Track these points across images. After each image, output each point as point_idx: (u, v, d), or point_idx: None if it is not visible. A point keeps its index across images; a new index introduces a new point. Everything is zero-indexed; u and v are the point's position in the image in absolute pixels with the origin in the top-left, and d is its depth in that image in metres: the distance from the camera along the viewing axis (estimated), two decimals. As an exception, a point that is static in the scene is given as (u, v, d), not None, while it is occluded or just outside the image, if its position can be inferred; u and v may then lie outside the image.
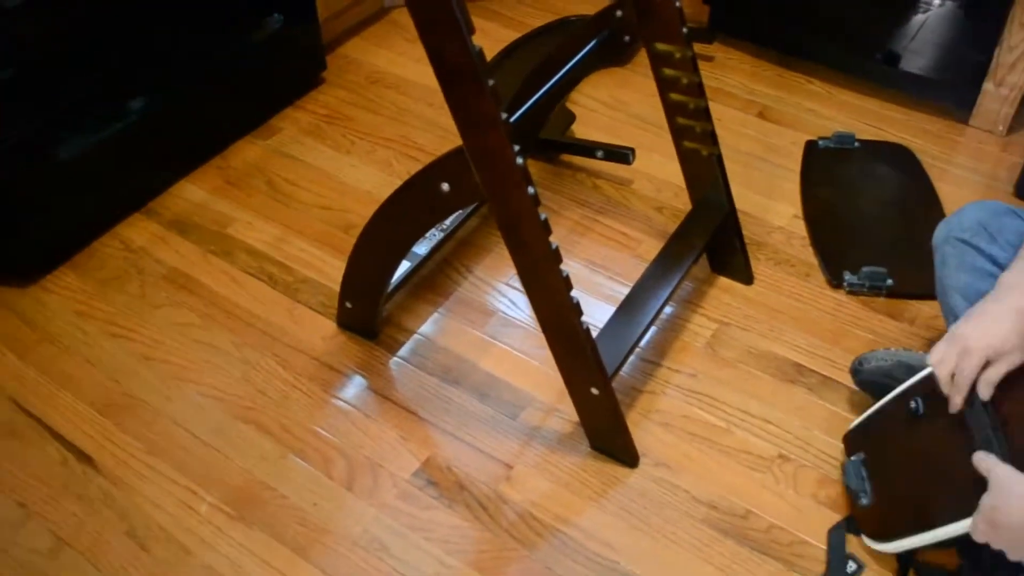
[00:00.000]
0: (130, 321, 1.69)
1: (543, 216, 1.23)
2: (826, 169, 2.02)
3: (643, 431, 1.51)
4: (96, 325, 1.68)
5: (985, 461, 1.12)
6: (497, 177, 1.23)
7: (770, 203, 1.94)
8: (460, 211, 1.79)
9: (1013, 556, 1.09)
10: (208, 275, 1.77)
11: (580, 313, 1.31)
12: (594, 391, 1.39)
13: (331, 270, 1.77)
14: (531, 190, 1.21)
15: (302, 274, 1.78)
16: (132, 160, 1.88)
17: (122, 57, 1.79)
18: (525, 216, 1.24)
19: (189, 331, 1.67)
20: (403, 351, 1.65)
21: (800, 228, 1.89)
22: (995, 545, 1.10)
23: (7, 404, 1.56)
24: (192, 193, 1.95)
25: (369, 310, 1.62)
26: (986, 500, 1.10)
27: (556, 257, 1.26)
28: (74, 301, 1.73)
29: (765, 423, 1.53)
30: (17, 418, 1.54)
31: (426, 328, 1.68)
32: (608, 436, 1.46)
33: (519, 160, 1.19)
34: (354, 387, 1.59)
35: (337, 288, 1.64)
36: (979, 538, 1.11)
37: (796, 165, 2.03)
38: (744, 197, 1.90)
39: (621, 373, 1.54)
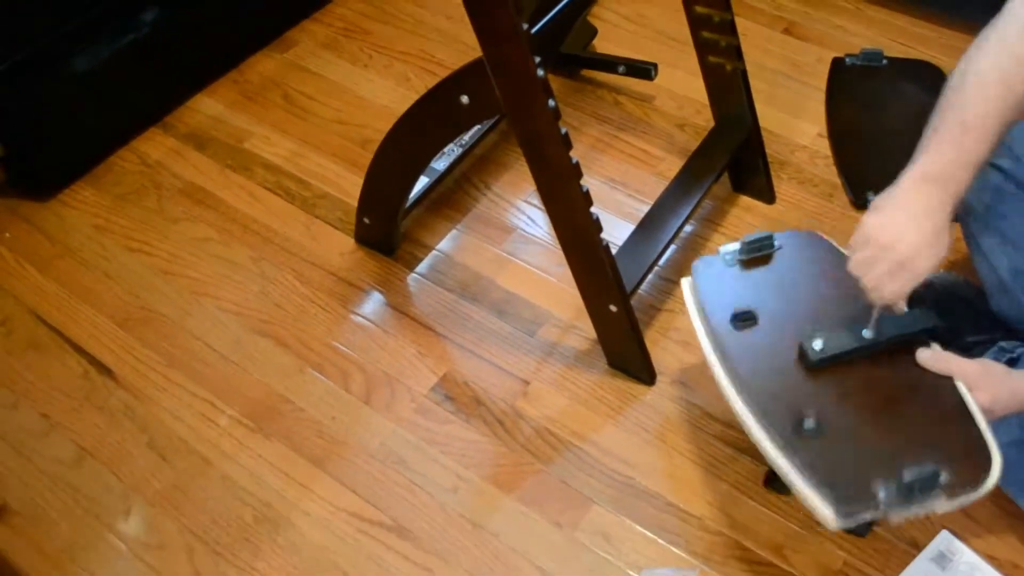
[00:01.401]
0: (148, 236, 1.69)
1: (564, 130, 1.21)
2: (852, 87, 1.97)
3: (661, 349, 1.51)
4: (114, 239, 1.68)
5: (942, 359, 1.10)
6: (517, 89, 1.21)
7: (794, 121, 1.90)
8: (479, 126, 1.77)
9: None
10: (225, 190, 1.77)
11: (599, 229, 1.29)
12: (612, 308, 1.38)
13: (349, 185, 1.76)
14: (552, 103, 1.19)
15: (320, 189, 1.77)
16: (148, 73, 1.86)
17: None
18: (545, 130, 1.22)
19: (207, 246, 1.67)
20: (421, 267, 1.64)
21: (824, 147, 1.85)
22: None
23: (29, 317, 1.57)
24: (209, 107, 1.94)
25: (387, 226, 1.61)
26: (981, 400, 1.06)
27: (576, 172, 1.24)
28: (92, 215, 1.73)
29: (784, 343, 1.52)
30: (39, 331, 1.55)
31: (444, 244, 1.68)
32: (625, 354, 1.46)
33: (540, 72, 1.17)
34: (372, 303, 1.59)
35: (355, 203, 1.63)
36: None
37: (822, 83, 1.99)
38: (768, 115, 1.87)
39: (640, 291, 1.53)
